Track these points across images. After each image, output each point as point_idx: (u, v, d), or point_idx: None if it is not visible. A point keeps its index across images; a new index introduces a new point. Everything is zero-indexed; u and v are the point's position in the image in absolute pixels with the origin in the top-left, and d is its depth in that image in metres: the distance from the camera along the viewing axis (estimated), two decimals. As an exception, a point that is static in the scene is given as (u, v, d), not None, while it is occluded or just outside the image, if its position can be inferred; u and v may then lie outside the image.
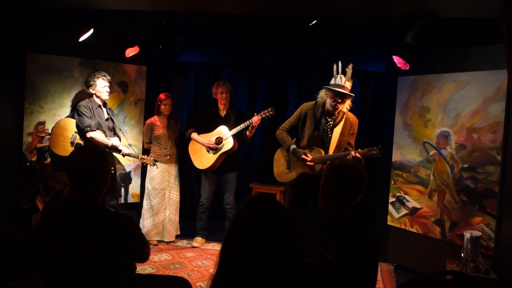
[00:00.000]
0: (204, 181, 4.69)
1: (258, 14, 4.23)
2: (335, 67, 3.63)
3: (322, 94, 3.70)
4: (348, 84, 3.58)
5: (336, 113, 3.64)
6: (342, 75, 3.58)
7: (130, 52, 4.36)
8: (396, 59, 3.90)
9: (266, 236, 1.33)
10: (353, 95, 3.64)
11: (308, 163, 3.61)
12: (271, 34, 5.04)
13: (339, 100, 3.56)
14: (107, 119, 4.22)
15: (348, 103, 3.64)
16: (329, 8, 3.72)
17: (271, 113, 4.31)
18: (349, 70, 3.59)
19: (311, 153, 3.66)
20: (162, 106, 4.59)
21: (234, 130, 4.40)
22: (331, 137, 3.65)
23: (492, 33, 3.42)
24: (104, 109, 4.21)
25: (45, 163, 4.20)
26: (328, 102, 3.61)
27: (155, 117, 4.64)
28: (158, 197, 4.60)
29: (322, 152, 3.62)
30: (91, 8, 3.87)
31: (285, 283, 1.32)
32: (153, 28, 4.87)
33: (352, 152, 3.49)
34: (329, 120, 3.68)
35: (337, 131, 3.65)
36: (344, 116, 3.68)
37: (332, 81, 3.62)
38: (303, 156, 3.62)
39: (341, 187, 2.02)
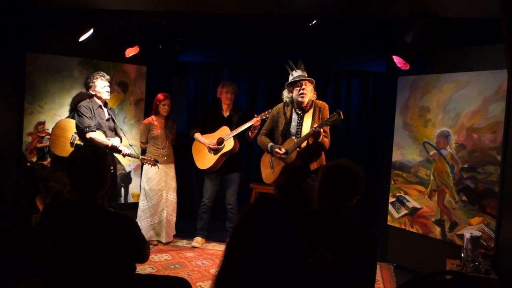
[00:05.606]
0: (207, 181, 4.68)
1: (258, 14, 4.22)
2: (288, 67, 3.84)
3: (286, 93, 3.90)
4: (305, 74, 3.81)
5: (305, 103, 3.80)
6: (296, 70, 3.81)
7: (130, 52, 4.36)
8: (396, 59, 3.90)
9: (271, 237, 1.32)
10: (314, 80, 3.82)
11: (280, 155, 3.77)
12: (271, 34, 5.03)
13: (303, 87, 3.74)
14: (108, 119, 4.20)
15: (312, 91, 3.82)
16: (329, 8, 3.72)
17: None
18: (300, 64, 3.83)
19: (285, 144, 3.81)
20: (161, 106, 4.56)
21: (235, 131, 4.40)
22: (303, 124, 3.80)
23: (492, 33, 3.41)
24: (105, 109, 4.20)
25: (45, 163, 4.20)
26: (295, 95, 3.80)
27: (153, 117, 4.60)
28: (156, 198, 4.58)
29: (295, 140, 3.76)
30: (91, 8, 3.87)
31: (288, 284, 1.32)
32: (153, 28, 4.87)
33: (314, 126, 3.60)
34: (299, 112, 3.84)
35: (307, 118, 3.81)
36: (314, 103, 3.85)
37: (290, 78, 3.84)
38: (276, 150, 3.81)
39: (337, 188, 2.02)
